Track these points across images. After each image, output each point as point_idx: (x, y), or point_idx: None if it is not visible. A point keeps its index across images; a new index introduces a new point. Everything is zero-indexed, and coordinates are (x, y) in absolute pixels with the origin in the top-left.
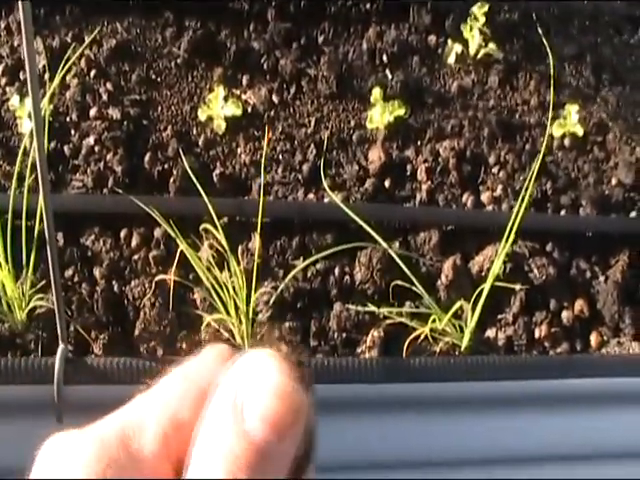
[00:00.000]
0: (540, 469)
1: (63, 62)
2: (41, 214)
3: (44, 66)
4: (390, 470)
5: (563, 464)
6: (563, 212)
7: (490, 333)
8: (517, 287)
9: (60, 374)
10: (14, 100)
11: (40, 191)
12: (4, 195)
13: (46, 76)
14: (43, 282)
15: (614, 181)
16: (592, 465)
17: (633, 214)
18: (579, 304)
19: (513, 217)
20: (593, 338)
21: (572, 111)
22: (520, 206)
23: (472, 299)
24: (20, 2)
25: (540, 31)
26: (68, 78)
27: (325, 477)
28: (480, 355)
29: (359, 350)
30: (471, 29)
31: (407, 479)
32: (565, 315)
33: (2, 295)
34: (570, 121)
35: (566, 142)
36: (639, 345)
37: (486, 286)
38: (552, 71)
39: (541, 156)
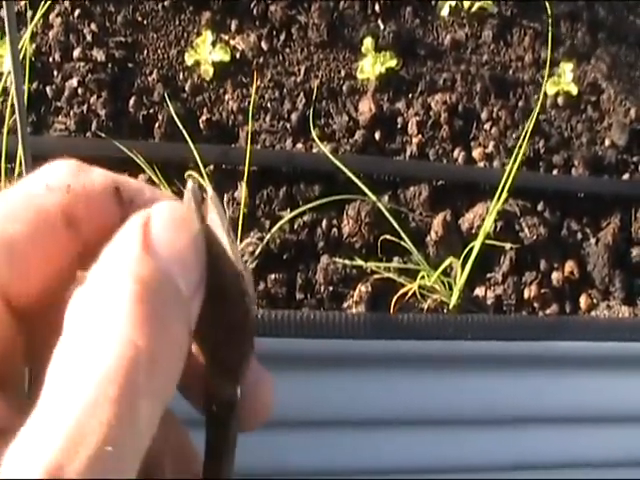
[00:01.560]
0: (526, 431)
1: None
2: (21, 157)
3: (25, 4)
4: (375, 428)
5: (550, 426)
6: (555, 172)
7: (479, 292)
8: (507, 246)
9: None
10: None
11: (19, 133)
12: None
13: (28, 14)
14: None
15: (607, 142)
16: (579, 428)
17: (626, 176)
18: (569, 265)
19: (506, 175)
20: (583, 300)
21: (566, 69)
22: (513, 164)
23: (462, 257)
24: None
25: None
26: (51, 17)
27: (312, 434)
28: (469, 314)
29: (346, 304)
30: None
31: (392, 437)
32: (555, 276)
33: None
34: (564, 79)
35: (559, 101)
36: (628, 309)
37: (476, 244)
38: (550, 27)
39: (535, 114)
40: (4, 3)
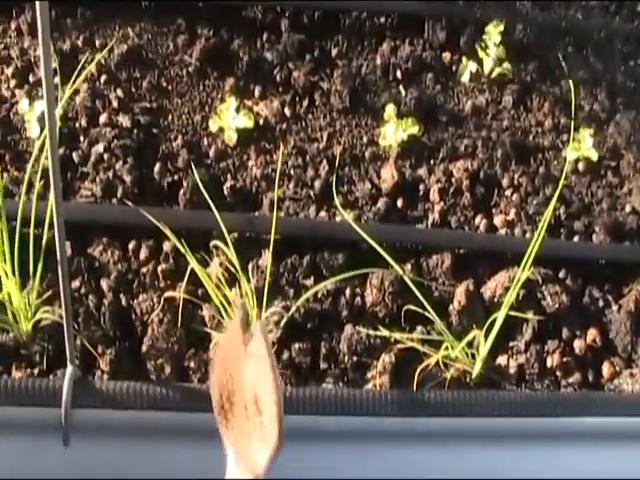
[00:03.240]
0: None
1: (76, 68)
2: (49, 222)
3: (55, 69)
4: None
5: None
6: (576, 238)
7: (502, 360)
8: (530, 317)
9: (68, 397)
10: (23, 103)
11: (51, 199)
12: (12, 201)
13: (56, 79)
14: (49, 293)
15: (628, 208)
16: None
17: None
18: (592, 333)
19: (531, 244)
20: (605, 368)
21: (586, 135)
22: (538, 233)
23: (485, 327)
24: (37, 2)
25: (556, 53)
26: (78, 83)
27: None
28: (493, 386)
29: (369, 375)
30: (486, 47)
31: None
32: (577, 344)
33: (8, 305)
34: (584, 145)
35: (580, 166)
36: None
37: (500, 315)
38: (571, 93)
39: (561, 182)
40: (42, 72)
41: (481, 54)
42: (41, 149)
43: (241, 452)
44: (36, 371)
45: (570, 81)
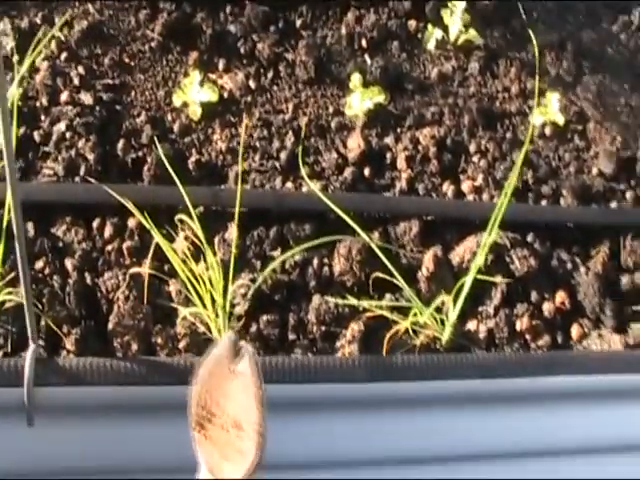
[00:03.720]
0: (521, 465)
1: (33, 44)
2: (9, 204)
3: (12, 48)
4: (371, 468)
5: (544, 460)
6: (544, 202)
7: (471, 325)
8: (499, 280)
9: (30, 376)
10: None
11: (7, 180)
12: None
13: (14, 58)
14: (12, 275)
15: (595, 171)
16: (571, 461)
17: (614, 205)
18: (560, 296)
19: (497, 210)
20: (574, 330)
21: (553, 99)
22: (503, 197)
23: (453, 292)
24: None
25: (522, 18)
26: (38, 61)
27: (306, 476)
28: (463, 351)
29: (339, 344)
30: (451, 14)
31: (389, 478)
32: (546, 307)
33: None
34: (551, 109)
35: (547, 131)
36: (620, 337)
37: (468, 279)
38: (536, 58)
39: (525, 146)
40: None
41: (447, 21)
42: None
43: (215, 467)
44: (0, 354)
45: (535, 46)
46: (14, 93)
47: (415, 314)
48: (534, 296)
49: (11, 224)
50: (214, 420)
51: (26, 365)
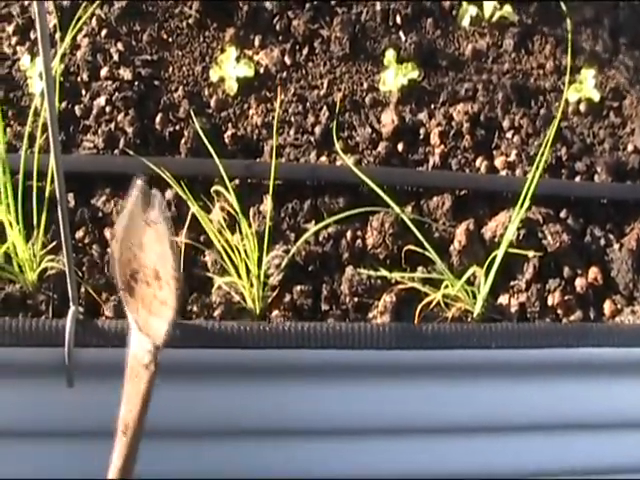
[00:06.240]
0: (547, 437)
1: (74, 22)
2: (52, 175)
3: (55, 25)
4: (394, 436)
5: (571, 433)
6: (578, 178)
7: (503, 300)
8: (531, 254)
9: (71, 337)
10: (25, 60)
11: (51, 152)
12: (15, 155)
13: (57, 36)
14: (54, 243)
15: (630, 147)
16: (600, 434)
17: None
18: (593, 272)
19: (528, 183)
20: (607, 306)
21: (588, 76)
22: (535, 172)
23: (485, 265)
24: None
25: None
26: (79, 38)
27: (330, 443)
28: (493, 322)
29: (370, 315)
30: None
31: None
32: (579, 283)
33: (13, 256)
34: (586, 86)
35: (582, 107)
36: None
37: (499, 253)
38: (570, 34)
39: (557, 122)
40: (37, 27)
41: None
42: (42, 104)
43: (143, 323)
44: (42, 318)
45: (570, 22)
46: (56, 69)
47: (447, 287)
48: (566, 271)
49: (53, 195)
50: (137, 277)
51: (67, 325)
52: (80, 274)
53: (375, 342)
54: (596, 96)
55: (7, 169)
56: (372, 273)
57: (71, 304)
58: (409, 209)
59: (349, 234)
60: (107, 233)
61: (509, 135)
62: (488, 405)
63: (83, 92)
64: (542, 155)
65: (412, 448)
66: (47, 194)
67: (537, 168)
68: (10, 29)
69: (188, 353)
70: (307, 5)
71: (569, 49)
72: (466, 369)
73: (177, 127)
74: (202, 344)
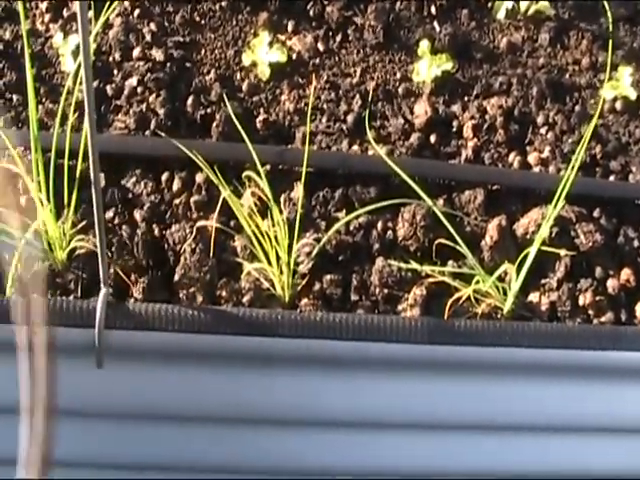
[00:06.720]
0: (577, 438)
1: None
2: (83, 154)
3: (88, 4)
4: (421, 431)
5: (603, 435)
6: (612, 177)
7: (533, 297)
8: (563, 253)
9: (102, 318)
10: (57, 37)
11: (88, 133)
12: (47, 133)
13: (90, 14)
14: (84, 223)
15: None
16: (634, 438)
17: None
18: (625, 273)
19: (563, 182)
20: (638, 309)
21: (625, 73)
22: (570, 170)
23: (517, 262)
24: None
25: None
26: (111, 17)
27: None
28: (525, 321)
29: (400, 307)
30: None
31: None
32: (610, 284)
33: (43, 234)
34: (623, 84)
35: (617, 105)
36: None
37: (532, 250)
38: (609, 31)
39: (594, 120)
40: (77, 6)
41: None
42: (74, 82)
43: None
44: (71, 299)
45: (609, 18)
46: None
47: (477, 282)
48: (598, 272)
49: (83, 174)
50: None
51: (98, 307)
52: (109, 255)
53: (407, 336)
54: (633, 94)
55: (39, 146)
56: (402, 265)
57: (102, 286)
58: (440, 202)
59: (380, 224)
60: (137, 214)
61: (543, 131)
62: (517, 404)
63: (115, 72)
64: (577, 153)
65: (443, 444)
66: (78, 173)
67: (572, 167)
68: (43, 6)
69: (218, 339)
70: None
71: (609, 46)
72: (497, 367)
73: (209, 110)
74: (233, 331)
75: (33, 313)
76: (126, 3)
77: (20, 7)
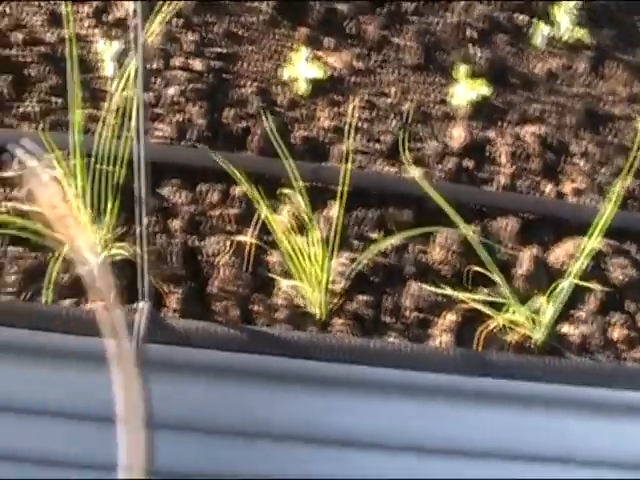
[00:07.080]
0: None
1: (154, 12)
2: (122, 161)
3: (134, 11)
4: (448, 457)
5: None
6: None
7: (563, 328)
8: (598, 287)
9: (140, 332)
10: (100, 43)
11: (138, 140)
12: (88, 138)
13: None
14: (120, 230)
15: None
16: None
17: None
18: None
19: (601, 216)
20: None
21: None
22: (608, 203)
23: (547, 292)
24: None
25: (635, 19)
26: (153, 26)
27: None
28: (559, 357)
29: (431, 332)
30: (561, 11)
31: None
32: None
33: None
34: None
35: None
36: None
37: (566, 283)
38: None
39: (634, 153)
40: (130, 14)
41: (556, 18)
42: (117, 88)
43: None
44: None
45: None
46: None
47: (508, 311)
48: (631, 306)
49: (122, 181)
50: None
51: (141, 321)
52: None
53: (439, 366)
54: None
55: (81, 152)
56: (435, 290)
57: (146, 298)
58: (473, 228)
59: (413, 248)
60: (173, 224)
61: (577, 161)
62: (548, 437)
63: (155, 80)
64: (615, 186)
65: (463, 471)
66: (117, 180)
67: (610, 200)
68: (85, 11)
69: (253, 359)
70: (379, 10)
71: None
72: (527, 400)
73: (246, 123)
74: (268, 351)
75: (117, 326)
76: (168, 12)
77: (69, 9)
